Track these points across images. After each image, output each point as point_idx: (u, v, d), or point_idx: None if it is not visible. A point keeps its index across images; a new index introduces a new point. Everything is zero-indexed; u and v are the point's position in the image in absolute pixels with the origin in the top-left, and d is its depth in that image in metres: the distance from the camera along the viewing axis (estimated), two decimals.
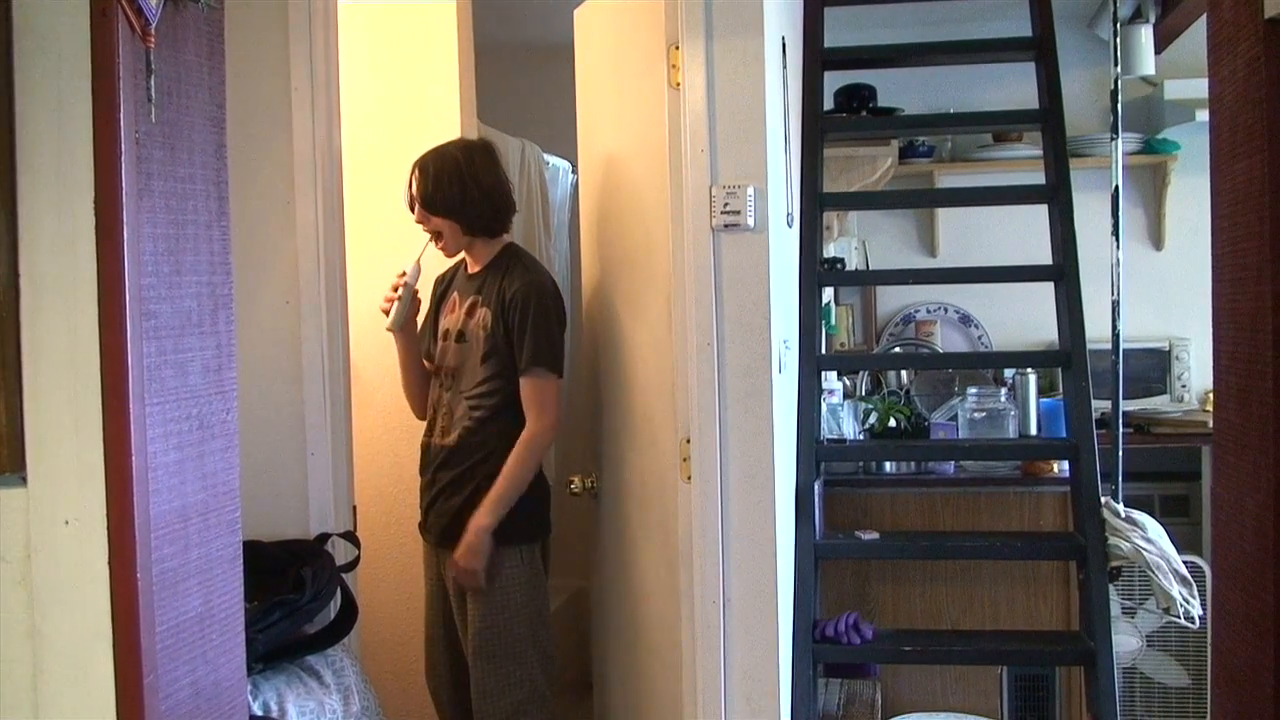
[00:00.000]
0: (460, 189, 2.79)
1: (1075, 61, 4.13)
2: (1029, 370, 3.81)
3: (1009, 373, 4.02)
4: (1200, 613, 2.85)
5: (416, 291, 2.93)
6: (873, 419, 3.87)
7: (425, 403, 2.96)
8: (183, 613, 1.53)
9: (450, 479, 2.81)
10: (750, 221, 2.63)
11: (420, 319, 3.01)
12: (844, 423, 3.83)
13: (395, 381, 3.09)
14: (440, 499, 2.83)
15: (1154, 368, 4.41)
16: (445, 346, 2.88)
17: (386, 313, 2.92)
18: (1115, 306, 3.09)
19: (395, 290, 2.90)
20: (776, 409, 2.69)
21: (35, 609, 1.42)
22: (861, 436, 3.86)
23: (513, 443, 2.75)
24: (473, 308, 2.83)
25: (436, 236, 2.87)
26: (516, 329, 2.75)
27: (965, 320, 4.67)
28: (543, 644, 2.81)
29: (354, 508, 2.77)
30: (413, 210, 2.87)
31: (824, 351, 3.66)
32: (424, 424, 2.96)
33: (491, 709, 2.74)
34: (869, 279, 4.65)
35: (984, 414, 3.71)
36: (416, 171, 2.84)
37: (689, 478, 2.65)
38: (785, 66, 2.86)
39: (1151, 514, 3.02)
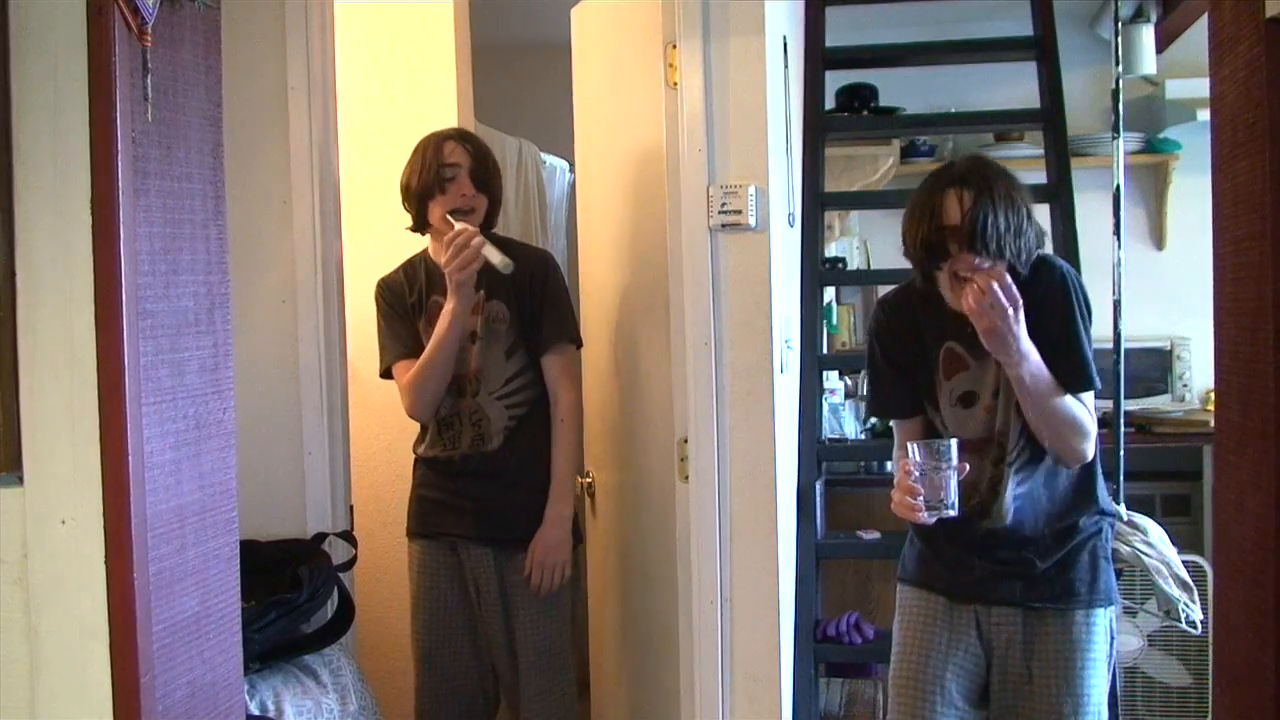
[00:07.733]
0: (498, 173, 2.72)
1: (1076, 61, 4.11)
2: None
3: None
4: (1201, 618, 2.83)
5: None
6: (874, 419, 3.86)
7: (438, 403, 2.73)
8: (179, 612, 1.53)
9: (503, 480, 2.70)
10: (752, 221, 2.62)
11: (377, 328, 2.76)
12: (845, 422, 3.83)
13: (392, 380, 2.81)
14: (499, 499, 2.70)
15: (1155, 367, 4.40)
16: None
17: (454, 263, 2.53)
18: (1116, 306, 3.08)
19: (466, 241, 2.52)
20: (778, 408, 2.68)
21: (32, 608, 1.42)
22: (863, 436, 3.86)
23: (550, 432, 2.71)
24: (476, 306, 2.68)
25: (461, 215, 2.62)
26: (537, 300, 2.66)
27: None
28: (573, 644, 2.83)
29: (351, 507, 2.76)
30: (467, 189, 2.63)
31: (825, 351, 3.66)
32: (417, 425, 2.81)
33: (548, 711, 2.71)
34: (870, 279, 4.62)
35: None
36: (473, 147, 2.67)
37: (686, 477, 2.65)
38: (787, 66, 2.85)
39: (1152, 514, 3.00)
